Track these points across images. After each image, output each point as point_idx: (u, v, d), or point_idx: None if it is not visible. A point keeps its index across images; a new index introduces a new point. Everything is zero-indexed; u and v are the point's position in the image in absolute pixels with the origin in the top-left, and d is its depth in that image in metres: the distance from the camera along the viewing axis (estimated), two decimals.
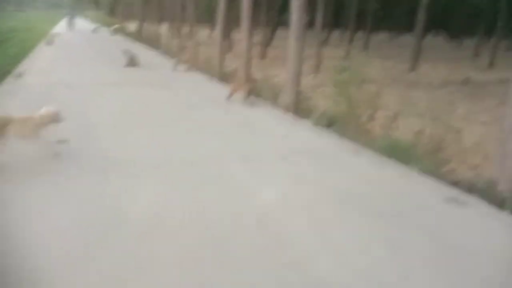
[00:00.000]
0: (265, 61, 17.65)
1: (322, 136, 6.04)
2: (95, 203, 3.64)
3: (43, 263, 2.77)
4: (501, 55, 20.71)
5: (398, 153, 5.01)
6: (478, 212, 3.75)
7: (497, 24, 20.31)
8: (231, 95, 8.05)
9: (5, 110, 6.32)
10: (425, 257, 3.02)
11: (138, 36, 24.70)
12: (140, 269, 2.75)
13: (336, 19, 35.56)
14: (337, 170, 4.68)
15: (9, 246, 2.93)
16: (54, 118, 4.70)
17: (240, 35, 10.37)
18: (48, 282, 2.60)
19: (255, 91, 7.99)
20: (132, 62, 12.70)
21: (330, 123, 6.38)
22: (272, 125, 6.59)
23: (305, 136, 5.98)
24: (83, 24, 35.33)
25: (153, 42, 20.78)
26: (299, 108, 7.51)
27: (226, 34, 21.58)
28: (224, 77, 11.00)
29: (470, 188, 4.30)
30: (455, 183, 4.53)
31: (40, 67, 11.75)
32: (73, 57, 15.08)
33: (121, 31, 28.45)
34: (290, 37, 7.67)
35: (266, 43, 20.57)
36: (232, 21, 26.34)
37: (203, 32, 33.26)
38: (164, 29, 21.71)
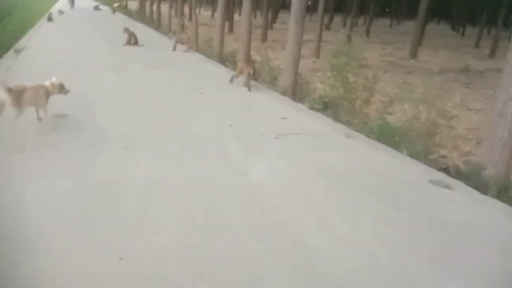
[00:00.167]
0: (266, 43, 17.61)
1: (317, 118, 6.14)
2: (94, 172, 3.81)
3: (40, 225, 2.92)
4: (503, 44, 20.68)
5: (389, 136, 5.11)
6: (460, 193, 3.89)
7: (499, 14, 20.24)
8: (235, 77, 8.00)
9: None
10: (405, 229, 3.19)
11: (139, 15, 24.57)
12: (133, 231, 2.92)
13: (339, 4, 35.34)
14: (328, 150, 4.81)
15: (10, 211, 3.06)
16: (61, 88, 5.08)
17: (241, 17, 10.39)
18: (44, 240, 2.76)
19: (256, 74, 8.00)
20: (132, 40, 12.69)
21: (325, 106, 6.46)
22: (269, 106, 6.67)
23: (301, 118, 6.08)
24: (84, 1, 35.00)
25: (153, 22, 20.70)
26: (297, 91, 7.58)
27: (228, 15, 21.47)
28: (223, 58, 11.03)
29: (457, 172, 4.42)
30: (442, 167, 4.66)
31: (40, 44, 11.75)
32: (73, 34, 15.05)
33: (122, 9, 28.28)
34: (290, 20, 7.69)
35: (267, 26, 20.47)
36: (234, 3, 26.16)
37: (205, 13, 33.09)
38: (165, 9, 21.54)
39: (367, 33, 25.26)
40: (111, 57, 10.50)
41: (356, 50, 6.64)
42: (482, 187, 3.95)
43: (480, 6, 26.51)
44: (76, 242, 2.77)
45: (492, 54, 18.51)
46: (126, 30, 12.83)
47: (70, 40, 13.29)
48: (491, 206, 3.72)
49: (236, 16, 24.80)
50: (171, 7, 19.54)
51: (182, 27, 15.90)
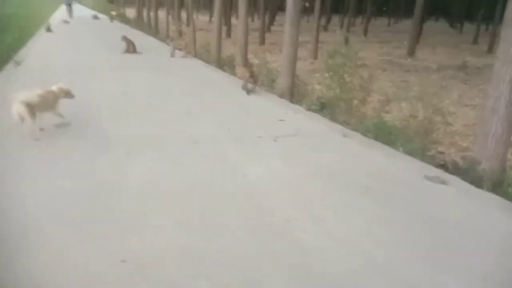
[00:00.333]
0: (263, 46, 17.70)
1: (314, 119, 6.19)
2: (93, 174, 3.93)
3: (41, 225, 3.02)
4: None
5: (385, 134, 5.16)
6: (456, 189, 3.92)
7: (496, 10, 20.27)
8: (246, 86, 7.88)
9: (5, 96, 6.51)
10: (400, 227, 3.22)
11: (137, 23, 24.71)
12: (132, 231, 2.99)
13: (336, 5, 35.41)
14: (324, 150, 4.86)
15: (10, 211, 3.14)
16: (68, 93, 5.32)
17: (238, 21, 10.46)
18: (42, 237, 2.86)
19: (254, 77, 8.05)
20: (130, 48, 12.78)
21: (322, 106, 6.52)
22: (267, 108, 6.73)
23: (298, 119, 6.13)
24: (82, 11, 35.22)
25: (151, 29, 20.81)
26: (295, 92, 7.64)
27: (226, 20, 21.58)
28: (221, 62, 11.10)
29: (454, 167, 4.47)
30: (438, 163, 4.71)
31: (40, 54, 11.85)
32: (72, 44, 15.15)
33: (120, 17, 28.43)
34: (286, 22, 7.76)
35: (265, 29, 20.56)
36: (231, 7, 26.27)
37: (202, 18, 33.21)
38: (162, 15, 21.68)
39: (365, 32, 25.34)
40: (110, 65, 10.58)
41: (352, 50, 6.69)
42: (477, 181, 4.00)
43: (478, 2, 26.55)
44: (75, 242, 2.84)
45: (490, 50, 18.54)
46: (124, 38, 12.91)
47: (69, 50, 13.39)
48: (486, 200, 3.76)
49: (233, 20, 24.90)
50: (168, 14, 19.64)
51: (180, 33, 16.00)
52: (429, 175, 4.09)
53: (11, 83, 7.66)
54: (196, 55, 12.65)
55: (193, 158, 4.46)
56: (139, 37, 16.23)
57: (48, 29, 18.55)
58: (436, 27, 39.26)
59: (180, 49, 12.59)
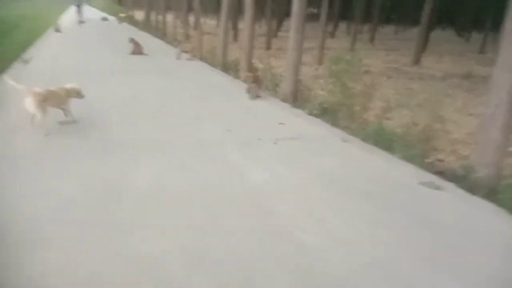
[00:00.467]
0: (269, 51, 17.78)
1: (315, 124, 6.24)
2: (99, 175, 4.01)
3: (46, 224, 3.09)
4: None
5: (384, 140, 5.20)
6: (449, 194, 3.99)
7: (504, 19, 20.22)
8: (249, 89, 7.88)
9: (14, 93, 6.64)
10: (397, 229, 3.30)
11: (145, 25, 24.91)
12: (135, 230, 3.07)
13: (344, 11, 35.46)
14: (325, 155, 4.90)
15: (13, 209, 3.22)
16: (79, 93, 5.47)
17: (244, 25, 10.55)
18: (48, 239, 2.92)
19: (259, 82, 8.08)
20: (137, 50, 12.91)
21: (324, 112, 6.56)
22: (270, 113, 6.78)
23: (299, 123, 6.19)
24: (91, 12, 35.53)
25: (159, 31, 20.98)
26: (298, 97, 7.69)
27: (233, 24, 21.71)
28: (227, 66, 11.18)
29: (453, 174, 4.49)
30: (437, 170, 4.74)
31: (48, 54, 12.01)
32: (80, 44, 15.33)
33: (128, 20, 28.66)
34: (291, 28, 7.83)
35: (271, 34, 20.65)
36: (239, 12, 26.44)
37: (210, 22, 33.36)
38: (170, 18, 21.85)
39: (372, 40, 25.36)
40: (116, 67, 10.70)
41: (355, 57, 6.74)
42: (474, 188, 4.03)
43: (486, 12, 26.50)
44: (79, 242, 2.90)
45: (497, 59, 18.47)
46: (132, 40, 13.06)
47: (76, 50, 13.55)
48: (480, 206, 3.81)
49: (241, 25, 25.04)
50: (176, 17, 19.78)
51: (187, 36, 16.12)
52: (424, 181, 4.14)
53: (19, 81, 7.76)
54: (202, 58, 12.75)
55: (198, 161, 4.52)
56: (146, 39, 16.39)
57: (57, 30, 18.77)
58: (443, 35, 39.12)
59: (186, 52, 12.70)
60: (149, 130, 5.55)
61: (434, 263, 2.85)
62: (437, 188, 4.01)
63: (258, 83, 7.97)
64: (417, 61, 16.66)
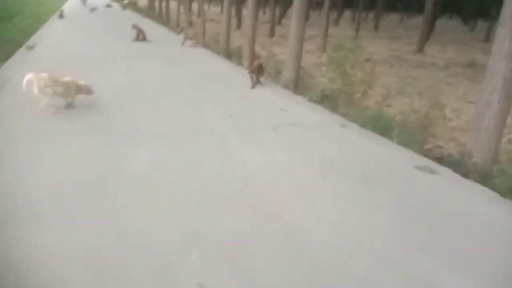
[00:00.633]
0: (273, 39, 17.75)
1: (315, 110, 6.32)
2: (100, 157, 4.14)
3: (45, 200, 3.23)
4: None
5: (382, 126, 5.28)
6: (443, 178, 4.08)
7: None
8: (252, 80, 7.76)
9: (15, 80, 6.78)
10: (388, 210, 3.40)
11: (148, 12, 24.88)
12: (134, 210, 3.18)
13: None
14: (322, 140, 5.01)
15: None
16: (89, 90, 5.71)
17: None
18: (47, 214, 3.06)
19: (262, 70, 8.05)
20: (140, 36, 12.96)
21: (324, 99, 6.63)
22: (270, 99, 6.86)
23: (299, 110, 6.27)
24: None
25: (162, 18, 20.97)
26: (299, 84, 7.75)
27: (237, 11, 21.65)
28: (229, 53, 11.23)
29: (449, 160, 4.58)
30: (435, 156, 4.82)
31: (51, 40, 12.07)
32: (84, 31, 15.38)
33: (132, 6, 28.62)
34: (292, 15, 7.86)
35: (275, 21, 20.59)
36: None
37: (214, 9, 33.27)
38: (174, 5, 21.82)
39: (376, 28, 25.23)
40: (119, 53, 10.77)
41: (356, 44, 6.79)
42: (468, 173, 4.12)
43: (491, 0, 26.26)
44: (79, 220, 3.02)
45: None
46: (135, 26, 13.10)
47: (80, 36, 13.61)
48: (472, 189, 3.92)
49: (245, 12, 24.95)
50: (179, 4, 19.75)
51: (190, 23, 16.13)
52: (420, 165, 4.22)
53: (23, 66, 7.87)
54: (205, 45, 12.79)
55: (196, 146, 4.62)
56: (150, 26, 16.41)
57: (61, 16, 18.80)
58: (449, 24, 38.84)
59: (190, 39, 12.74)
60: (150, 116, 5.64)
61: (420, 244, 2.95)
62: (432, 172, 4.10)
63: (261, 71, 8.00)
64: (420, 49, 16.61)
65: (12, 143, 4.34)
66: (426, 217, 3.33)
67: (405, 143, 4.91)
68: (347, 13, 36.19)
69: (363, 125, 5.56)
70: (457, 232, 3.13)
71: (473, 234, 3.13)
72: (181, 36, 12.97)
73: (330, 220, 3.19)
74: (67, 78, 5.42)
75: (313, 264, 2.66)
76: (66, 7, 23.90)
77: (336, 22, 26.84)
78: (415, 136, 5.04)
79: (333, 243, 2.90)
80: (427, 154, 4.85)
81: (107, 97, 6.29)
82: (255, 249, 2.78)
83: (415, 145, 4.89)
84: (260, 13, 30.54)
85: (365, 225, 3.16)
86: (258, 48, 10.56)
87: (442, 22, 36.39)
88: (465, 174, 4.16)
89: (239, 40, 13.28)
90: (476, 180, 3.98)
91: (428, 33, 18.30)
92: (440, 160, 4.72)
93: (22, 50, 9.78)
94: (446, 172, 4.21)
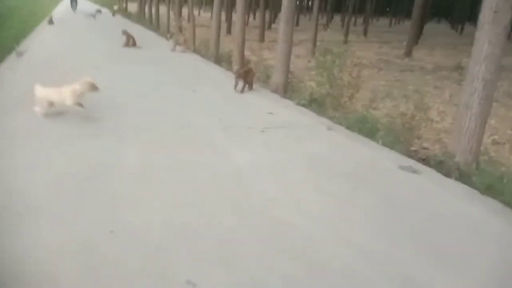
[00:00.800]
0: (263, 43, 17.90)
1: (303, 113, 6.43)
2: (90, 155, 4.26)
3: (38, 196, 3.32)
4: None
5: (368, 129, 5.39)
6: (425, 177, 4.21)
7: None
8: (236, 83, 7.71)
9: (7, 86, 6.82)
10: (370, 207, 3.51)
11: (138, 17, 24.92)
12: (124, 206, 3.26)
13: (338, 4, 35.54)
14: (309, 141, 5.12)
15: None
16: (93, 87, 5.33)
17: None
18: (42, 208, 3.15)
19: (251, 74, 8.08)
20: (130, 42, 13.00)
21: (312, 102, 6.74)
22: (259, 103, 6.94)
23: (287, 113, 6.38)
24: (85, 4, 35.42)
25: (152, 24, 21.03)
26: (288, 88, 7.85)
27: (226, 16, 21.79)
28: (219, 58, 11.32)
29: (433, 160, 4.69)
30: (420, 157, 4.94)
31: (41, 46, 12.07)
32: (74, 37, 15.38)
33: (122, 12, 28.66)
34: (280, 20, 7.96)
35: (265, 26, 20.75)
36: (232, 4, 26.44)
37: (204, 15, 33.42)
38: (164, 10, 21.89)
39: (365, 32, 25.51)
40: (109, 58, 10.79)
41: (343, 49, 6.91)
42: (450, 173, 4.24)
43: (479, 4, 26.70)
44: (70, 214, 3.10)
45: None
46: (124, 32, 13.14)
47: (70, 43, 13.60)
48: (452, 187, 4.04)
49: (234, 17, 25.08)
50: (169, 9, 19.83)
51: (180, 29, 16.21)
52: (403, 165, 4.33)
53: (13, 73, 7.89)
54: (195, 51, 12.87)
55: (186, 146, 4.71)
56: (140, 32, 16.46)
57: (50, 22, 18.76)
58: (437, 28, 39.38)
59: (180, 44, 12.81)
60: (140, 117, 5.73)
61: (395, 237, 3.06)
62: (414, 171, 4.21)
63: (251, 76, 8.04)
64: (408, 53, 16.84)
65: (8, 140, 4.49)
66: (407, 213, 3.44)
67: (390, 145, 5.02)
68: (337, 18, 36.54)
69: (349, 127, 5.67)
70: (437, 228, 3.24)
71: (452, 229, 3.24)
72: (171, 42, 13.04)
73: (312, 214, 3.31)
74: (64, 86, 5.35)
75: (299, 258, 2.76)
76: (56, 13, 23.85)
77: (326, 27, 27.10)
78: (400, 137, 5.16)
79: (316, 237, 3.00)
80: (412, 155, 4.96)
81: (97, 99, 6.34)
82: (243, 244, 2.87)
83: (400, 146, 5.01)
84: (251, 18, 30.75)
85: (344, 218, 3.29)
86: (248, 53, 10.66)
87: (431, 26, 36.90)
88: (447, 174, 4.28)
89: (229, 45, 13.37)
90: (457, 179, 4.11)
91: (416, 37, 18.55)
92: (425, 161, 4.84)
93: (11, 57, 9.77)
94: (428, 172, 4.32)
